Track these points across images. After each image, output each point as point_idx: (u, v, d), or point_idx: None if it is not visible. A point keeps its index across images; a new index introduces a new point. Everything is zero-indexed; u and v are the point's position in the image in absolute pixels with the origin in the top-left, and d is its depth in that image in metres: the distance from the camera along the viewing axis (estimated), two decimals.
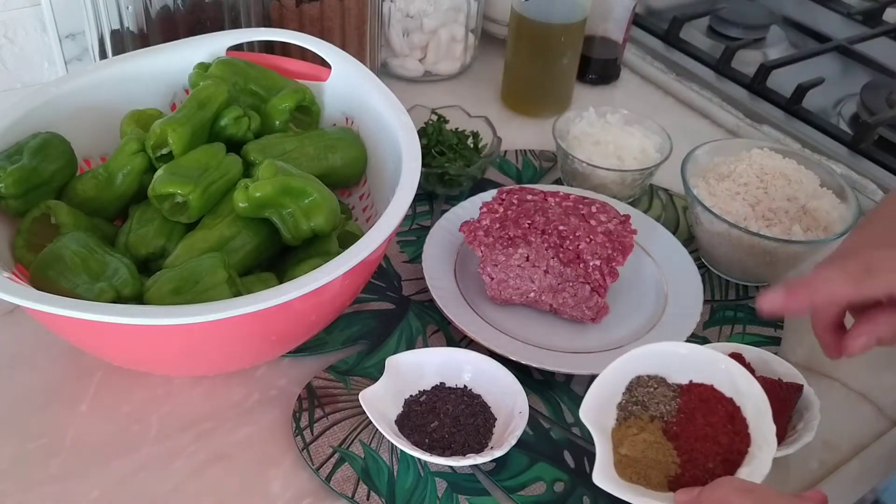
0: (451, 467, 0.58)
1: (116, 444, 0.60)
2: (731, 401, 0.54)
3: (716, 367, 0.55)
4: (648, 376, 0.56)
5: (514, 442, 0.57)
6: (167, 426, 0.61)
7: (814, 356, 0.70)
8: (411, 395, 0.61)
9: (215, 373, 0.65)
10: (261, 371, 0.65)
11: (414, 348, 0.67)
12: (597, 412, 0.54)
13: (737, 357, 0.63)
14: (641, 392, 0.55)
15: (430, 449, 0.57)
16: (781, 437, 0.59)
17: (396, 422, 0.59)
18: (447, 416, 0.59)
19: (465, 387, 0.62)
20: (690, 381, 0.55)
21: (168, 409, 0.62)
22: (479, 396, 0.62)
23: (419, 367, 0.62)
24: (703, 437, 0.53)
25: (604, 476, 0.51)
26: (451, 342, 0.68)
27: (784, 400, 0.60)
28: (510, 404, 0.60)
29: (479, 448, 0.58)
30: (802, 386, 0.61)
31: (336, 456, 0.59)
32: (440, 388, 0.62)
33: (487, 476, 0.59)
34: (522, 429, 0.58)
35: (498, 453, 0.56)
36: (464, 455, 0.57)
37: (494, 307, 0.70)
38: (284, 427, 0.61)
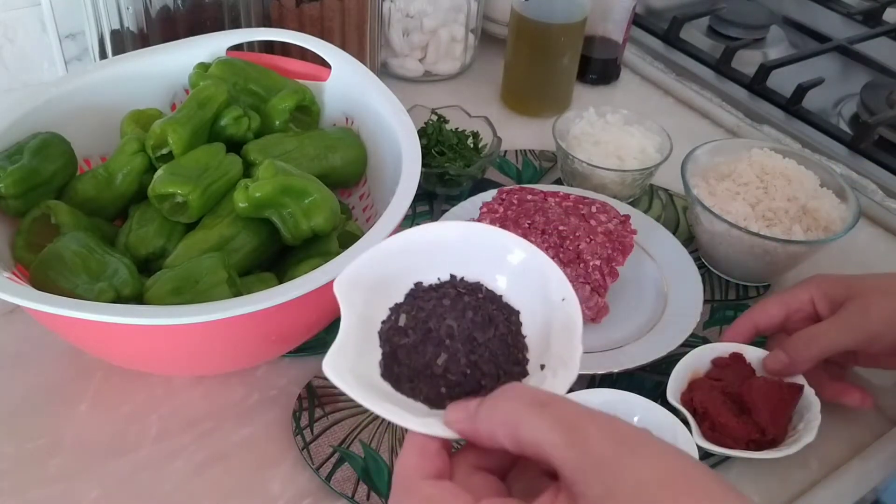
0: None
1: (116, 444, 0.60)
2: None
3: (666, 426, 0.58)
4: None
5: (580, 347, 0.39)
6: (167, 426, 0.61)
7: None
8: (384, 322, 0.41)
9: (215, 373, 0.65)
10: (261, 371, 0.65)
11: None
12: None
13: (737, 357, 0.63)
14: None
15: (456, 397, 0.38)
16: (781, 437, 0.59)
17: (384, 374, 0.40)
18: (455, 339, 0.40)
19: (454, 277, 0.42)
20: None
21: (168, 409, 0.62)
22: (479, 287, 0.42)
23: (381, 272, 0.42)
24: None
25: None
26: None
27: (784, 400, 0.60)
28: (533, 284, 0.41)
29: (521, 370, 0.40)
30: (803, 386, 0.61)
31: (336, 455, 0.59)
32: (418, 294, 0.42)
33: None
34: (580, 319, 0.40)
35: (574, 367, 0.38)
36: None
37: None
38: (284, 427, 0.61)
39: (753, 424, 0.59)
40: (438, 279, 0.42)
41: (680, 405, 0.60)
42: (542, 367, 0.39)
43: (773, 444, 0.59)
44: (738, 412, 0.60)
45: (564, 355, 0.39)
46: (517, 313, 0.41)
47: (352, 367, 0.38)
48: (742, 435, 0.58)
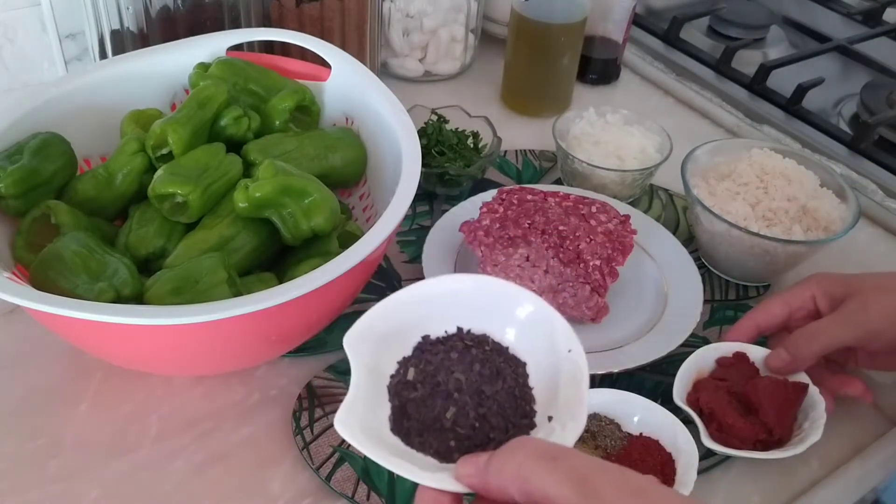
0: None
1: (116, 444, 0.60)
2: (669, 454, 0.58)
3: (666, 426, 0.59)
4: (605, 415, 0.60)
5: (587, 398, 0.40)
6: (167, 426, 0.61)
7: None
8: (392, 377, 0.42)
9: (215, 373, 0.65)
10: (261, 371, 0.65)
11: None
12: None
13: (741, 357, 0.63)
14: (594, 424, 0.59)
15: (466, 451, 0.39)
16: (787, 436, 0.59)
17: (393, 428, 0.41)
18: (463, 392, 0.40)
19: (461, 329, 0.43)
20: (641, 433, 0.59)
21: (168, 409, 0.62)
22: (486, 339, 0.43)
23: (391, 324, 0.44)
24: (632, 467, 0.57)
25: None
26: None
27: (790, 399, 0.60)
28: (541, 336, 0.42)
29: (529, 423, 0.40)
30: (808, 385, 0.61)
31: (336, 455, 0.59)
32: (426, 348, 0.43)
33: None
34: (587, 371, 0.40)
35: (582, 419, 0.39)
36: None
37: None
38: (284, 427, 0.61)
39: (760, 424, 0.59)
40: (446, 332, 0.43)
41: (686, 406, 0.60)
42: (550, 418, 0.40)
43: (779, 443, 0.59)
44: (744, 412, 0.60)
45: (573, 406, 0.40)
46: (524, 365, 0.42)
47: (362, 422, 0.39)
48: (749, 435, 0.58)
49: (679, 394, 0.61)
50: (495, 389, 0.41)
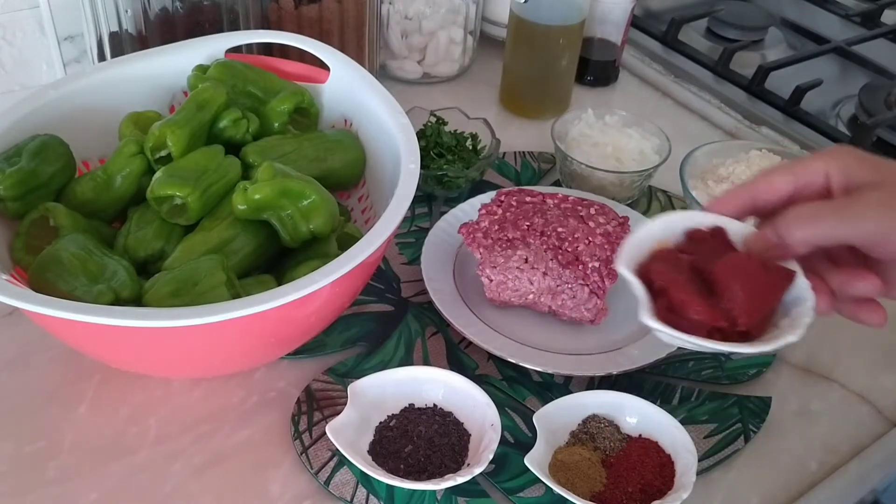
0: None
1: (115, 447, 0.60)
2: (668, 456, 0.58)
3: (665, 428, 0.59)
4: (604, 417, 0.61)
5: (490, 457, 0.56)
6: (166, 428, 0.61)
7: (812, 357, 0.70)
8: (381, 422, 0.60)
9: (214, 375, 0.65)
10: (259, 373, 0.65)
11: (412, 351, 0.67)
12: (551, 424, 0.59)
13: (719, 233, 0.51)
14: (593, 426, 0.60)
15: (406, 475, 0.56)
16: (757, 333, 0.48)
17: (369, 451, 0.58)
18: (420, 439, 0.58)
19: (435, 405, 0.61)
20: (640, 435, 0.60)
21: (167, 412, 0.62)
22: (450, 414, 0.60)
23: (382, 390, 0.60)
24: (631, 468, 0.57)
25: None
26: (451, 344, 0.68)
27: (768, 285, 0.48)
28: (481, 418, 0.59)
29: (456, 466, 0.57)
30: (794, 273, 0.48)
31: (335, 459, 0.59)
32: (410, 410, 0.60)
33: (487, 478, 0.59)
34: (497, 442, 0.57)
35: (477, 470, 0.55)
36: (442, 476, 0.56)
37: (493, 309, 0.70)
38: (283, 430, 0.61)
39: (721, 310, 0.47)
40: (426, 405, 0.61)
41: (631, 274, 0.48)
42: (468, 464, 0.58)
43: (744, 338, 0.48)
44: (704, 291, 0.48)
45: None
46: (469, 435, 0.59)
47: (351, 441, 0.57)
48: (704, 318, 0.46)
49: (626, 259, 0.48)
50: (442, 443, 0.58)
